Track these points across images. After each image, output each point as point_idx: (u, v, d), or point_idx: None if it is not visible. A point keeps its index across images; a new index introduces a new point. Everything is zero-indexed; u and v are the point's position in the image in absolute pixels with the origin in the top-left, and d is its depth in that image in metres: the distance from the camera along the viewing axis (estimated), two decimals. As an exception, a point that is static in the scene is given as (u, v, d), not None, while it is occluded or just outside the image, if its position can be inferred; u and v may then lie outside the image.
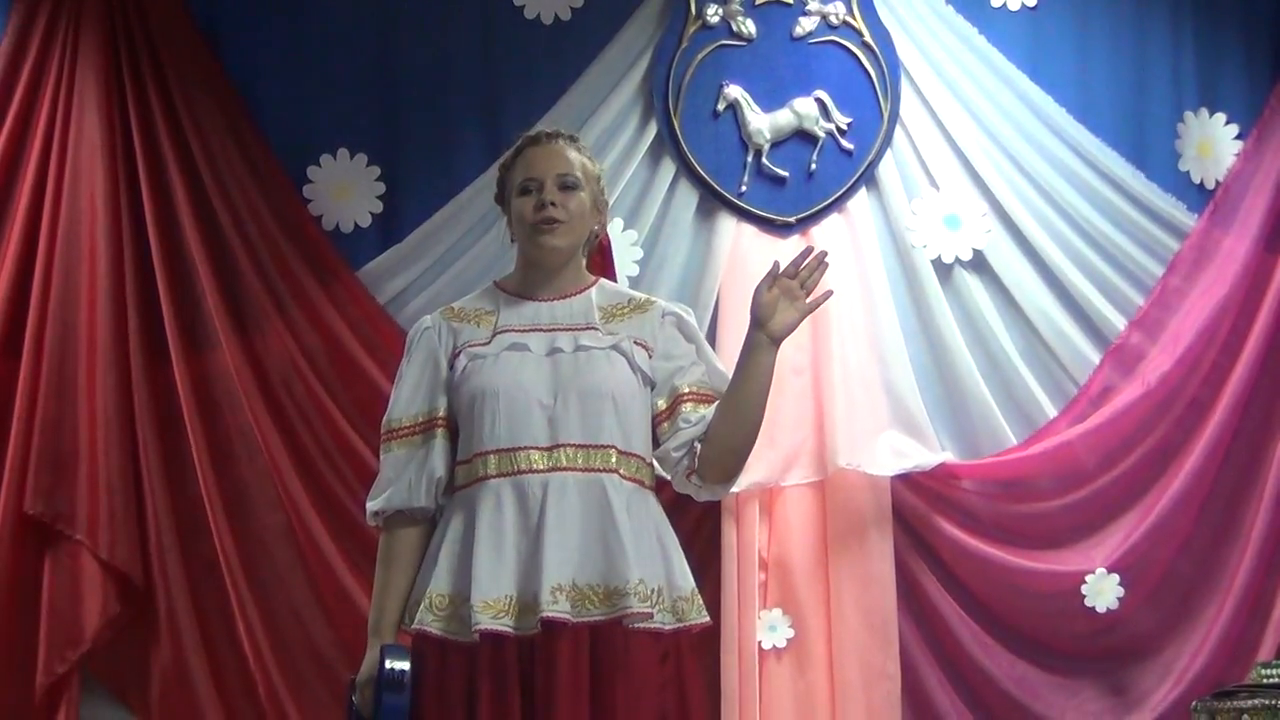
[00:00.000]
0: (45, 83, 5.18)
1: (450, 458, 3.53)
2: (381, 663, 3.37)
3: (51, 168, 5.14)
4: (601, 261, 3.77)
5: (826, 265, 3.54)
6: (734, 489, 5.08)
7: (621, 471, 3.45)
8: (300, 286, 5.22)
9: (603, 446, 3.43)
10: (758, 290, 3.52)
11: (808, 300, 3.51)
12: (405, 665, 3.36)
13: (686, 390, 3.54)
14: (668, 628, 3.42)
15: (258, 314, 5.21)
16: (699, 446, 3.51)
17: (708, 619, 3.51)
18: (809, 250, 3.54)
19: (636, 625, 3.36)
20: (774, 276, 3.51)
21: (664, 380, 3.55)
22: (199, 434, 5.14)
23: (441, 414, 3.54)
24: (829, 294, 3.57)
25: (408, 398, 3.57)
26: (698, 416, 3.52)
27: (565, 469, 3.42)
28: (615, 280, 3.79)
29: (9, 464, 5.01)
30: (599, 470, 3.42)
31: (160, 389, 5.17)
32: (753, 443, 3.53)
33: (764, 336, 3.48)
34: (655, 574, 3.42)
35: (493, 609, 3.34)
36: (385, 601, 3.49)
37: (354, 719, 3.45)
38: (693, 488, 3.58)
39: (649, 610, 3.36)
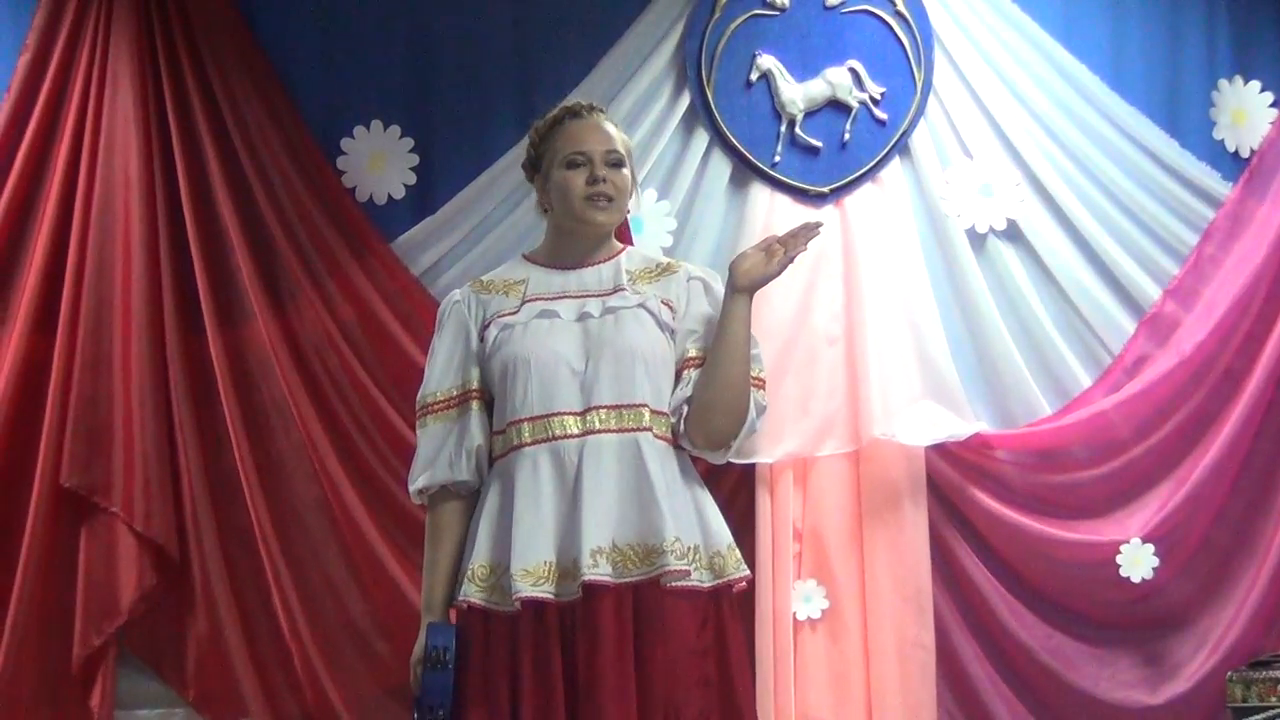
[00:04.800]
0: (79, 56, 5.18)
1: (488, 428, 3.53)
2: (426, 641, 3.40)
3: (86, 141, 5.14)
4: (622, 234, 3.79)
5: (816, 234, 3.54)
6: (769, 459, 5.19)
7: (655, 430, 3.45)
8: (334, 258, 5.22)
9: (635, 405, 3.44)
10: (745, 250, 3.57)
11: (781, 257, 3.51)
12: (448, 643, 3.38)
13: (693, 355, 3.54)
14: (705, 585, 3.42)
15: (292, 286, 5.22)
16: (685, 409, 3.51)
17: (747, 572, 3.50)
18: (809, 224, 3.55)
19: (674, 584, 3.36)
20: (768, 243, 3.53)
21: (680, 342, 3.55)
22: (234, 407, 5.16)
23: (475, 386, 3.54)
24: (795, 255, 3.53)
25: (441, 372, 3.57)
26: (690, 380, 3.54)
27: (599, 431, 3.42)
28: None
29: (45, 437, 5.03)
30: (632, 430, 3.43)
31: (195, 362, 5.19)
32: (732, 406, 3.49)
33: (730, 285, 3.51)
34: (690, 531, 3.43)
35: (532, 576, 3.34)
36: (434, 579, 3.50)
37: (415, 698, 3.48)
38: (689, 449, 3.56)
39: (686, 568, 3.36)
